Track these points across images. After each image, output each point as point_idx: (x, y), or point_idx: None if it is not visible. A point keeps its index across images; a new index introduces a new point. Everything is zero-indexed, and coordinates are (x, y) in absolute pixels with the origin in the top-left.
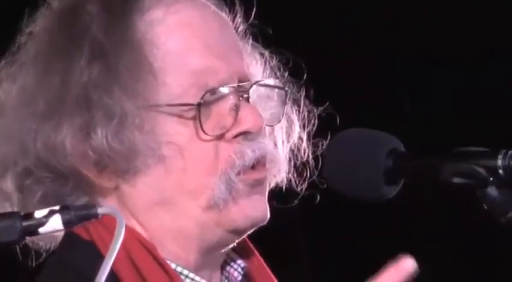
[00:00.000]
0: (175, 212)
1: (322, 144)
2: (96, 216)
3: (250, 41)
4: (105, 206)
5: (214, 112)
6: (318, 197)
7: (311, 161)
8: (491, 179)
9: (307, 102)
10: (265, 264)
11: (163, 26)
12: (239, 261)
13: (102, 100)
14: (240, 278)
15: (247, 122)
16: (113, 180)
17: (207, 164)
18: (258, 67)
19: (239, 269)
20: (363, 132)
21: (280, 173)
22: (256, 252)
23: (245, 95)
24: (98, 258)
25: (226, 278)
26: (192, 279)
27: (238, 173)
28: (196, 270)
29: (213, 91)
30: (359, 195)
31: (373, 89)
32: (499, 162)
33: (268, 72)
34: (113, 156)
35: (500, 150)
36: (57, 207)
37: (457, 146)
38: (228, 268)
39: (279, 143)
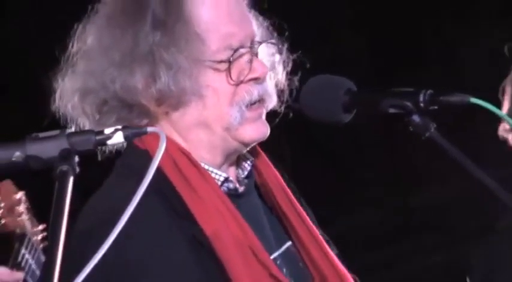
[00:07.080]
0: (207, 131)
1: (294, 81)
2: (145, 133)
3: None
4: (152, 127)
5: (236, 65)
6: (291, 114)
7: (287, 92)
8: (415, 109)
9: (287, 52)
10: (267, 159)
11: (200, 2)
12: (249, 156)
13: (163, 56)
14: (249, 168)
15: (258, 71)
16: (165, 110)
17: (229, 99)
18: (259, 27)
19: (248, 162)
20: (330, 77)
21: (272, 104)
22: (261, 151)
23: (255, 52)
24: (150, 161)
25: (241, 169)
26: (216, 173)
27: (247, 106)
28: (219, 167)
29: (236, 51)
30: (325, 120)
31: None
32: (421, 98)
33: (265, 31)
34: (170, 95)
35: (421, 90)
36: (120, 127)
37: (395, 86)
38: (242, 163)
39: (272, 82)
